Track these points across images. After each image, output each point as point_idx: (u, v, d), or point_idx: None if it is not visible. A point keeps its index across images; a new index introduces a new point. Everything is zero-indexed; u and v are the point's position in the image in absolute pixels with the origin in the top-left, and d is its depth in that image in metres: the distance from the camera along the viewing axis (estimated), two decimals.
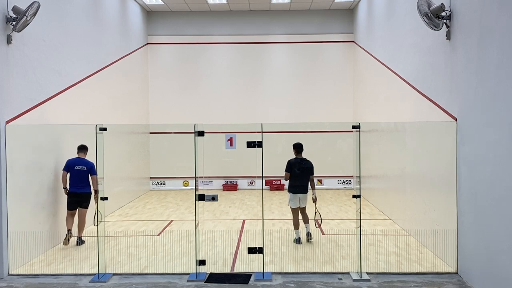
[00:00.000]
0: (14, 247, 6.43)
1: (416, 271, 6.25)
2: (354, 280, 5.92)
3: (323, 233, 8.36)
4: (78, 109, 8.89)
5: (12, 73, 6.57)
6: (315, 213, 7.79)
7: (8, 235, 6.34)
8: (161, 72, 14.66)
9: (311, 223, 7.91)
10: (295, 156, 7.84)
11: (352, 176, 14.19)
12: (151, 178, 14.48)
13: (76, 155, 7.91)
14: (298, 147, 7.85)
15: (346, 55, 14.52)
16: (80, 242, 7.76)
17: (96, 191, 7.63)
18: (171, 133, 14.66)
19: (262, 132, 6.29)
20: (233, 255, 7.11)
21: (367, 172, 11.15)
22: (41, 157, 7.36)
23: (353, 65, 14.38)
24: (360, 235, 6.30)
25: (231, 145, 6.47)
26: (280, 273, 6.21)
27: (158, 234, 8.55)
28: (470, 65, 5.84)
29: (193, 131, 6.18)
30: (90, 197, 7.86)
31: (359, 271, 6.13)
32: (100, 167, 7.07)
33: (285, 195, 13.18)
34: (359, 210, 6.32)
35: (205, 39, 14.60)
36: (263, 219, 6.62)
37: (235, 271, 6.36)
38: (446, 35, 6.52)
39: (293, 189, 7.80)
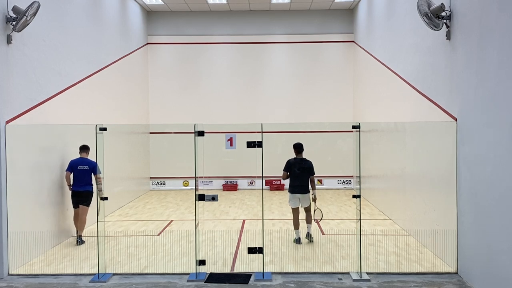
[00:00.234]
0: (14, 247, 6.43)
1: (416, 271, 6.26)
2: (354, 280, 5.92)
3: (323, 233, 8.36)
4: (78, 109, 8.89)
5: (12, 73, 6.57)
6: (315, 210, 7.78)
7: (8, 235, 6.34)
8: (161, 72, 14.66)
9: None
10: (295, 156, 7.84)
11: (352, 176, 14.19)
12: (151, 178, 14.48)
13: (78, 155, 7.97)
14: (298, 147, 7.85)
15: (346, 55, 14.52)
16: (80, 241, 7.76)
17: (100, 190, 7.63)
18: (171, 133, 14.67)
19: (262, 132, 6.29)
20: (233, 255, 7.11)
21: (367, 172, 11.15)
22: (41, 157, 7.36)
23: (353, 65, 14.38)
24: (360, 235, 6.30)
25: (231, 145, 6.47)
26: (280, 273, 6.21)
27: (158, 234, 8.55)
28: (470, 65, 5.84)
29: (193, 131, 6.18)
30: (90, 195, 7.89)
31: (359, 271, 6.13)
32: (100, 167, 7.10)
33: (285, 195, 13.17)
34: (359, 210, 6.32)
35: (205, 39, 14.60)
36: (263, 219, 6.62)
37: (235, 271, 6.36)
38: (446, 35, 6.52)
39: (292, 189, 7.81)
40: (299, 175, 7.71)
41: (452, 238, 6.27)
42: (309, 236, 7.75)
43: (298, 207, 7.84)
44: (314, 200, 7.79)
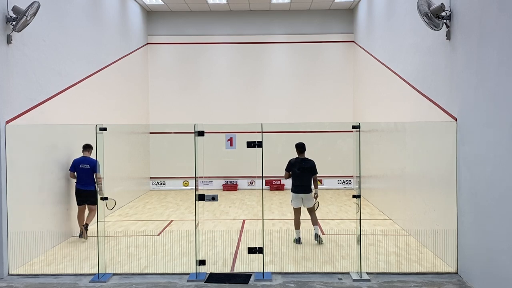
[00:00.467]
0: (14, 247, 6.43)
1: (416, 271, 6.26)
2: (354, 280, 5.92)
3: (323, 233, 8.36)
4: (78, 109, 8.89)
5: (12, 73, 6.57)
6: (315, 202, 7.77)
7: (8, 235, 6.34)
8: (161, 72, 14.66)
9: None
10: (297, 156, 7.83)
11: (352, 176, 14.19)
12: (151, 178, 14.48)
13: (78, 156, 8.00)
14: (299, 147, 7.84)
15: (346, 55, 14.52)
16: (86, 228, 7.93)
17: (100, 190, 7.72)
18: (171, 133, 14.66)
19: (262, 132, 6.29)
20: (233, 255, 7.11)
21: (367, 172, 11.15)
22: (41, 157, 7.36)
23: (353, 65, 14.38)
24: (360, 235, 6.30)
25: (231, 145, 6.47)
26: (280, 273, 6.21)
27: (158, 234, 8.55)
28: (470, 65, 5.84)
29: (193, 131, 6.18)
30: (94, 193, 7.93)
31: (359, 271, 6.13)
32: (100, 167, 7.10)
33: (285, 195, 13.20)
34: (359, 210, 6.32)
35: (205, 39, 14.60)
36: (263, 219, 6.62)
37: (235, 271, 6.36)
38: (446, 35, 6.52)
39: (294, 189, 7.80)
40: (302, 174, 7.69)
41: (452, 238, 6.27)
42: (317, 237, 7.64)
43: (300, 207, 7.83)
44: (315, 198, 7.78)
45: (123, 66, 12.00)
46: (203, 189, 13.91)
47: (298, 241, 7.69)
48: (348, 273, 6.18)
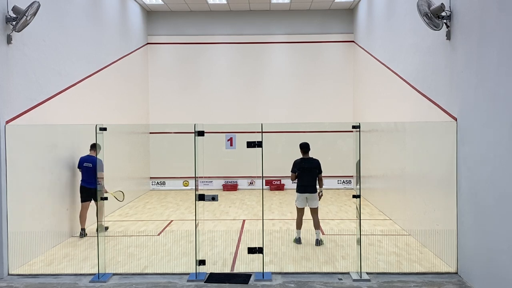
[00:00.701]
0: (14, 247, 6.43)
1: (416, 271, 6.26)
2: (354, 280, 5.92)
3: (323, 233, 8.36)
4: (78, 109, 8.89)
5: (12, 73, 6.57)
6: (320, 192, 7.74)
7: (8, 235, 6.34)
8: (161, 72, 14.66)
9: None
10: (302, 156, 7.82)
11: (352, 176, 14.19)
12: (151, 178, 14.48)
13: (78, 156, 8.06)
14: (304, 147, 7.81)
15: (346, 55, 14.52)
16: (104, 228, 8.19)
17: (100, 190, 7.86)
18: (171, 133, 14.67)
19: (262, 132, 6.29)
20: (233, 255, 7.11)
21: (367, 172, 11.15)
22: (41, 157, 7.36)
23: (353, 65, 14.39)
24: (360, 235, 6.30)
25: (231, 145, 6.47)
26: (280, 273, 6.21)
27: (158, 234, 8.55)
28: (470, 65, 5.84)
29: (193, 131, 6.18)
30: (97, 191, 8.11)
31: (359, 271, 6.13)
32: (100, 166, 7.10)
33: (285, 195, 13.21)
34: (359, 210, 6.32)
35: (205, 39, 14.60)
36: (263, 219, 6.62)
37: (235, 271, 6.36)
38: (446, 35, 6.52)
39: (299, 189, 7.75)
40: (305, 174, 7.66)
41: (452, 238, 6.27)
42: (318, 242, 7.57)
43: (304, 208, 7.81)
44: (320, 197, 7.74)
45: (123, 66, 12.00)
46: (203, 189, 13.91)
47: (298, 241, 7.69)
48: (348, 273, 6.18)
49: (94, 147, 8.18)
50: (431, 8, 6.39)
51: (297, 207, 7.84)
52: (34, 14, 6.49)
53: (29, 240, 6.80)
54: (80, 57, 9.07)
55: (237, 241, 7.97)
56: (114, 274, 6.23)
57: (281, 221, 9.62)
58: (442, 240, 6.58)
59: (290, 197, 12.64)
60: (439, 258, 6.77)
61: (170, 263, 6.69)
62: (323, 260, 6.77)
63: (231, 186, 14.31)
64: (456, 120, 6.26)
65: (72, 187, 8.34)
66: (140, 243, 7.93)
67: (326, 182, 13.91)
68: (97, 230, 7.46)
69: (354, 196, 6.45)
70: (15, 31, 6.41)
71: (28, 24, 6.48)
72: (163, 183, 14.46)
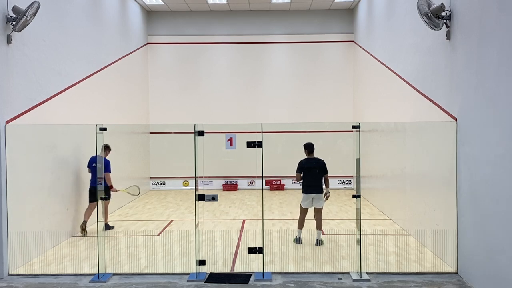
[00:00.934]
0: (14, 247, 6.43)
1: (416, 271, 6.26)
2: (354, 280, 5.92)
3: (323, 233, 8.36)
4: (78, 109, 8.89)
5: (12, 73, 6.57)
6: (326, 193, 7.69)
7: (8, 235, 6.34)
8: (161, 72, 14.66)
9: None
10: (306, 157, 7.81)
11: (352, 176, 14.19)
12: (151, 178, 14.48)
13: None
14: (308, 147, 7.79)
15: (346, 55, 14.52)
16: (108, 227, 8.68)
17: (110, 187, 8.66)
18: (171, 133, 14.66)
19: (262, 132, 6.29)
20: (233, 255, 7.11)
21: (367, 172, 11.15)
22: (41, 157, 7.36)
23: (353, 65, 14.39)
24: (360, 235, 6.30)
25: (231, 145, 6.46)
26: (280, 273, 6.21)
27: (158, 234, 8.55)
28: (470, 65, 5.84)
29: (193, 131, 6.18)
30: (105, 190, 8.44)
31: (359, 271, 6.13)
32: (100, 167, 7.10)
33: (285, 195, 13.21)
34: (359, 210, 6.33)
35: (205, 39, 14.60)
36: (263, 219, 6.62)
37: (235, 271, 6.36)
38: (446, 35, 6.52)
39: (305, 189, 7.72)
40: (310, 174, 7.63)
41: (452, 238, 6.27)
42: (318, 242, 7.57)
43: (308, 209, 7.80)
44: (326, 198, 7.71)
45: (123, 66, 12.00)
46: (203, 189, 13.91)
47: (298, 240, 7.68)
48: (348, 273, 6.18)
49: (103, 148, 8.46)
50: (431, 8, 6.39)
51: (301, 207, 7.82)
52: (34, 14, 6.48)
53: (29, 240, 6.80)
54: (80, 57, 9.07)
55: (237, 241, 7.97)
56: (114, 274, 6.23)
57: (281, 221, 9.62)
58: (442, 240, 6.58)
59: (290, 197, 12.64)
60: (439, 258, 6.77)
61: (170, 263, 6.69)
62: (323, 260, 6.77)
63: (231, 186, 14.31)
64: (456, 120, 6.26)
65: (72, 187, 8.34)
66: (140, 243, 7.93)
67: None
68: (103, 229, 7.56)
69: (354, 196, 6.45)
70: (15, 31, 6.41)
71: (28, 24, 6.47)
72: (163, 183, 14.46)
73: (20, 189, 6.65)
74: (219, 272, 6.31)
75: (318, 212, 7.73)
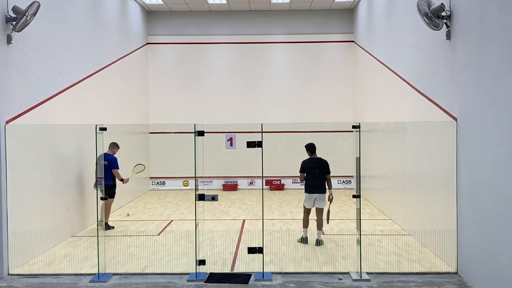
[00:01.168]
0: (14, 247, 6.43)
1: (416, 271, 6.26)
2: (354, 280, 5.92)
3: (323, 233, 8.35)
4: (78, 109, 8.89)
5: (12, 73, 6.57)
6: (328, 210, 7.70)
7: (8, 235, 6.34)
8: (161, 72, 14.66)
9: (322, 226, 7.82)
10: (309, 157, 7.80)
11: (352, 176, 14.19)
12: (151, 178, 14.48)
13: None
14: (309, 148, 7.80)
15: (346, 55, 14.52)
16: (108, 227, 8.65)
17: (122, 180, 8.78)
18: (171, 133, 14.66)
19: (262, 132, 6.29)
20: (233, 255, 7.11)
21: (367, 172, 11.15)
22: (41, 157, 7.36)
23: (353, 65, 14.39)
24: (360, 235, 6.30)
25: (231, 145, 6.47)
26: (280, 273, 6.21)
27: (158, 234, 8.55)
28: (470, 65, 5.84)
29: (193, 131, 6.18)
30: (111, 188, 8.61)
31: (359, 271, 6.13)
32: (100, 167, 7.10)
33: (285, 195, 13.21)
34: (359, 210, 6.32)
35: (205, 39, 14.60)
36: (263, 219, 6.62)
37: (235, 271, 6.36)
38: (446, 35, 6.52)
39: (307, 189, 7.73)
40: (313, 174, 7.62)
41: (452, 238, 6.27)
42: (318, 243, 7.58)
43: (311, 209, 7.79)
44: (330, 200, 7.68)
45: (123, 66, 12.00)
46: (203, 189, 13.90)
47: (304, 240, 7.65)
48: (348, 273, 6.18)
49: (111, 145, 8.71)
50: (431, 8, 6.39)
51: (304, 207, 7.83)
52: (34, 14, 6.48)
53: (29, 240, 6.80)
54: (80, 57, 9.07)
55: (237, 241, 7.97)
56: (114, 274, 6.23)
57: (281, 221, 9.62)
58: (442, 240, 6.58)
59: (290, 197, 12.64)
60: (439, 258, 6.77)
61: (170, 263, 6.69)
62: (323, 260, 6.77)
63: (231, 186, 14.31)
64: (456, 120, 6.26)
65: (72, 187, 8.34)
66: (140, 243, 7.93)
67: None
68: (103, 228, 7.56)
69: (354, 196, 6.45)
70: (15, 31, 6.41)
71: (28, 24, 6.47)
72: (163, 183, 14.46)
73: (20, 189, 6.65)
74: (219, 272, 6.31)
75: (319, 212, 7.73)
